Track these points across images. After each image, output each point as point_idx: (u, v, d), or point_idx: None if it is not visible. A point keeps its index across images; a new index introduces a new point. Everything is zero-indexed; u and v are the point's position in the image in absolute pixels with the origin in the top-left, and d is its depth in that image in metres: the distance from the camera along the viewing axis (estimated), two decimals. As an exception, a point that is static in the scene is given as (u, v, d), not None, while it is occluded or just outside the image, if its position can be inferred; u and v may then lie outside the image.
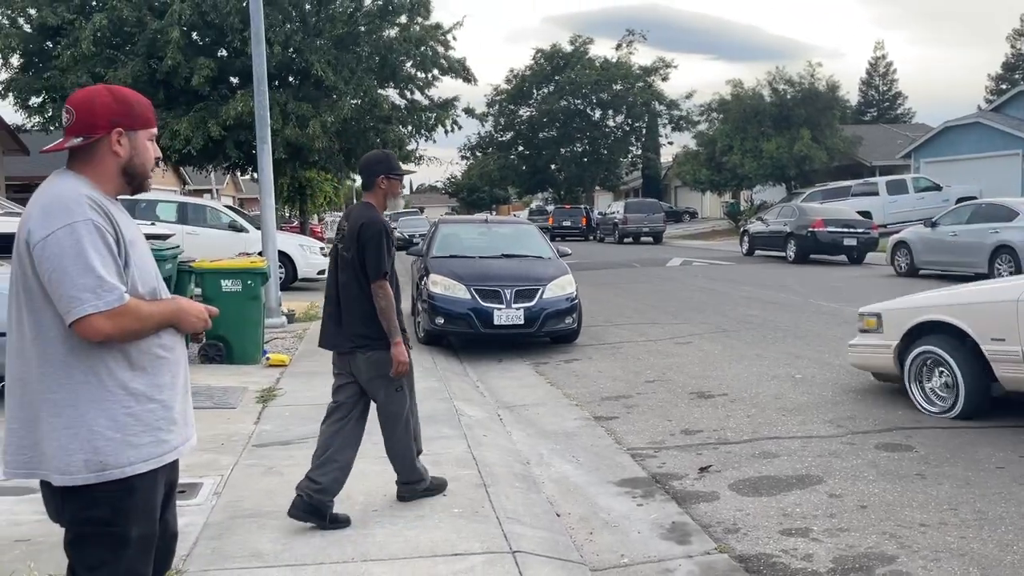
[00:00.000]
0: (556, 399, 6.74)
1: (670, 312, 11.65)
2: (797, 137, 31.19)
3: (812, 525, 3.94)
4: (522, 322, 8.39)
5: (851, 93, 44.21)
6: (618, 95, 48.28)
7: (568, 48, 48.58)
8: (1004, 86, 45.22)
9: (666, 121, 48.96)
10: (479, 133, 50.11)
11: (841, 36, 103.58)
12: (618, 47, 48.88)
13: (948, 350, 5.61)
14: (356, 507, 3.98)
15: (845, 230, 19.24)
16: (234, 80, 16.88)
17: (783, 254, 20.42)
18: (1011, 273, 13.61)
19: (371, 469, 4.37)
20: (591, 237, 36.24)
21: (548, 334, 8.89)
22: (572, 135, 49.81)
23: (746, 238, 22.95)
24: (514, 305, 8.40)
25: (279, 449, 4.98)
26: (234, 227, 14.47)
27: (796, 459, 4.92)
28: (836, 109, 33.37)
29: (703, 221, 46.85)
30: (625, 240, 32.27)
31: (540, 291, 8.60)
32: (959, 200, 21.47)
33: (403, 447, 4.09)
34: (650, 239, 32.13)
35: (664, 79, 48.46)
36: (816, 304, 11.98)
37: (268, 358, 7.55)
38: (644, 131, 50.51)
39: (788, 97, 32.75)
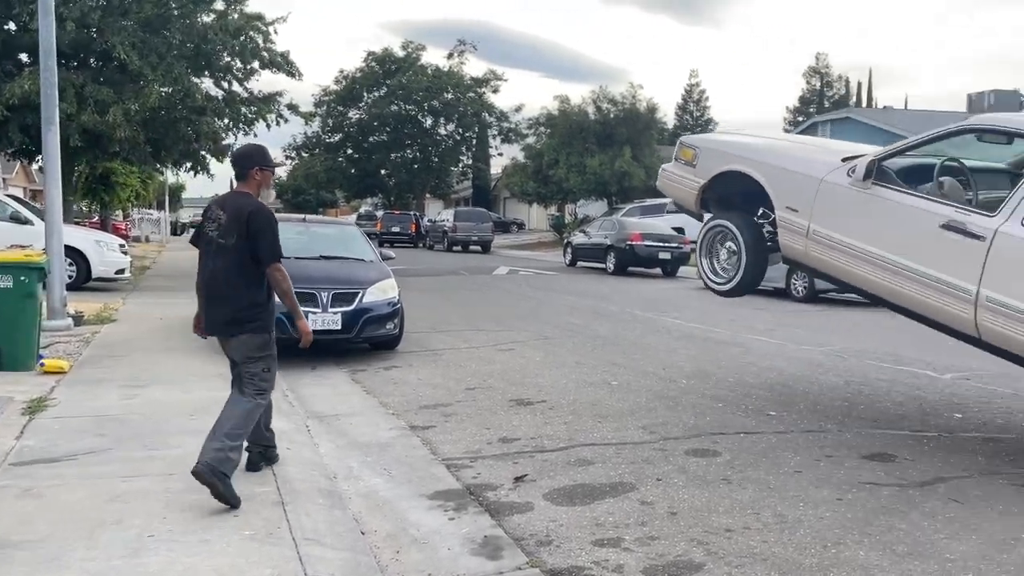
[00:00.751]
0: (372, 408, 6.40)
1: (495, 319, 11.59)
2: (619, 155, 32.53)
3: (624, 534, 3.87)
4: (339, 327, 7.97)
5: (668, 116, 46.73)
6: (449, 104, 48.44)
7: (400, 53, 48.19)
8: (800, 118, 49.52)
9: (496, 132, 49.67)
10: (305, 133, 48.63)
11: (660, 62, 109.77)
12: (450, 56, 49.06)
13: (739, 225, 5.88)
14: (131, 531, 3.49)
15: (660, 244, 20.16)
16: (23, 57, 15.22)
17: (603, 265, 21.08)
18: (805, 288, 14.70)
19: (152, 488, 3.87)
20: (420, 244, 35.97)
21: (368, 340, 8.51)
22: (403, 141, 49.41)
23: (569, 249, 23.55)
24: (331, 309, 7.97)
25: (43, 467, 4.34)
26: (17, 219, 12.96)
27: (610, 466, 4.88)
28: (655, 130, 35.14)
29: (530, 232, 47.88)
30: (454, 248, 32.28)
31: (360, 295, 8.22)
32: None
33: (242, 431, 4.07)
34: (479, 248, 32.33)
35: (495, 91, 49.16)
36: (632, 313, 12.35)
37: (43, 364, 6.70)
38: (475, 141, 50.98)
39: (611, 116, 34.11)
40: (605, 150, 33.21)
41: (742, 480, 4.62)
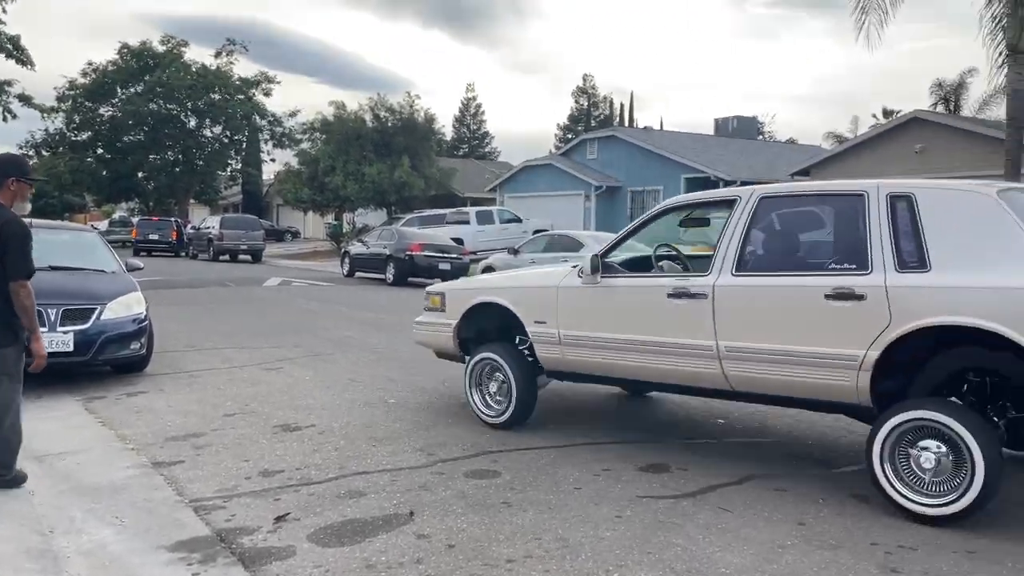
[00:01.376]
0: (107, 443, 5.55)
1: (263, 335, 10.78)
2: (398, 164, 32.21)
3: (397, 575, 3.50)
4: (71, 348, 6.91)
5: (446, 128, 47.26)
6: (216, 104, 45.65)
7: (160, 48, 44.71)
8: (570, 136, 51.98)
9: (268, 136, 47.51)
10: (47, 129, 43.67)
11: (438, 75, 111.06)
12: (217, 55, 46.26)
13: (505, 357, 5.95)
14: None
15: (440, 255, 20.04)
16: None
17: (383, 276, 20.61)
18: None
19: None
20: (183, 253, 33.43)
21: (108, 362, 7.48)
22: (163, 142, 45.89)
23: (347, 259, 22.83)
24: (60, 328, 6.90)
25: None
26: None
27: (384, 496, 4.50)
28: (433, 141, 35.21)
29: (306, 241, 46.22)
30: (221, 258, 30.31)
31: (98, 311, 7.21)
32: (535, 231, 23.78)
33: (11, 432, 4.40)
34: (249, 257, 30.59)
35: (267, 94, 47.03)
36: (412, 326, 12.01)
37: None
38: (244, 145, 48.46)
39: (389, 125, 33.73)
40: (383, 159, 32.76)
41: (522, 502, 4.41)
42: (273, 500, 4.44)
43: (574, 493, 4.58)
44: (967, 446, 3.93)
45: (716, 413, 6.61)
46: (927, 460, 4.07)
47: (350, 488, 4.64)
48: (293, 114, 45.86)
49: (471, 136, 61.95)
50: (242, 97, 46.22)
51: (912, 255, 4.20)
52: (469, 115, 62.21)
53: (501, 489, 4.63)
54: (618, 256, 5.75)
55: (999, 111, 25.88)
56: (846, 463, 5.26)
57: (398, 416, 6.35)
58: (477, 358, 6.15)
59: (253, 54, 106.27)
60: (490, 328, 6.30)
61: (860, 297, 4.27)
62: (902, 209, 4.31)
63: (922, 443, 4.09)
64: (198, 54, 58.75)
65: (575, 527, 4.06)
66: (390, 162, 32.43)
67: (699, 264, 5.48)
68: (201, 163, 47.11)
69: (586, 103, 57.84)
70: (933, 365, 4.31)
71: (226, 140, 48.10)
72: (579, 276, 5.57)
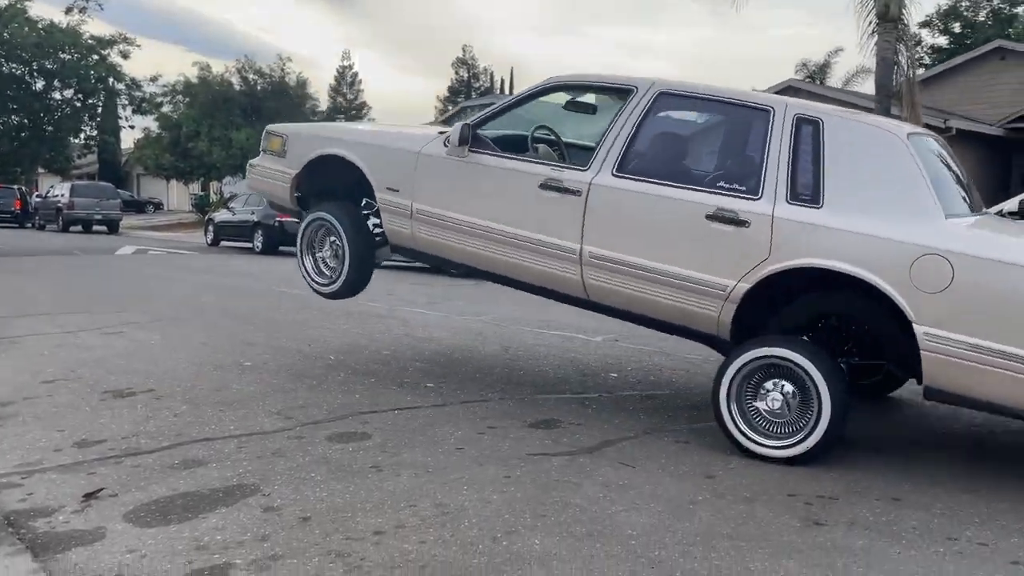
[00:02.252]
0: None
1: (107, 301, 9.61)
2: (269, 130, 30.54)
3: (235, 558, 2.80)
4: None
5: (322, 96, 45.28)
6: (67, 65, 41.98)
7: (1, 1, 40.61)
8: (450, 107, 51.10)
9: (127, 102, 44.14)
10: None
11: (314, 46, 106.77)
12: (68, 11, 42.47)
13: (341, 218, 5.31)
14: None
15: (313, 221, 18.95)
16: None
17: (250, 244, 19.33)
18: (459, 263, 14.53)
19: None
20: (29, 224, 30.61)
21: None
22: (6, 105, 41.81)
23: (211, 227, 21.35)
24: None
25: None
26: None
27: (229, 465, 3.75)
28: (307, 107, 33.58)
29: (170, 213, 43.47)
30: (72, 228, 27.92)
31: None
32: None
33: None
34: (104, 228, 28.27)
35: (125, 56, 43.55)
36: (280, 291, 11.08)
37: None
38: (100, 110, 44.90)
39: (259, 88, 31.90)
40: (254, 124, 30.93)
41: (395, 466, 3.77)
42: (86, 475, 3.61)
43: (456, 454, 3.97)
44: (816, 386, 3.74)
45: (609, 367, 6.16)
46: (774, 400, 3.87)
47: (186, 457, 3.86)
48: (154, 79, 42.72)
49: (348, 106, 59.73)
50: (96, 58, 42.70)
51: (807, 188, 3.87)
52: (346, 84, 59.92)
53: (370, 452, 3.97)
54: (491, 132, 5.04)
55: (864, 87, 26.97)
56: (749, 413, 4.88)
57: (254, 379, 5.54)
58: (311, 218, 5.48)
59: (111, 18, 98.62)
60: (337, 187, 5.54)
61: (743, 223, 3.94)
62: (807, 135, 3.94)
63: (770, 382, 3.89)
64: (47, 12, 53.63)
65: (457, 491, 3.45)
66: (261, 128, 30.64)
67: (579, 158, 4.84)
68: (51, 129, 43.26)
69: (466, 74, 56.98)
70: (797, 305, 4.04)
71: (78, 104, 44.34)
72: (444, 146, 4.90)
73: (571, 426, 4.49)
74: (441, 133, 5.06)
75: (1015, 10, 35.55)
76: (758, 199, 3.94)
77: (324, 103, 53.83)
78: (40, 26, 40.91)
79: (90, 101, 44.47)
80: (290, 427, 4.39)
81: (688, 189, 4.17)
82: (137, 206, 42.69)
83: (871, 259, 3.65)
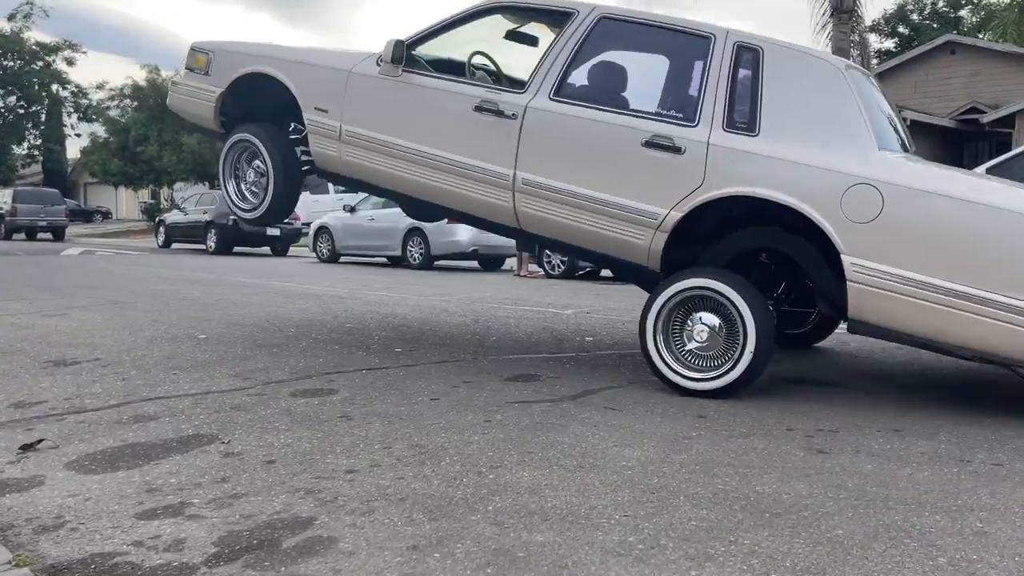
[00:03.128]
0: None
1: (51, 290, 9.11)
2: (221, 133, 29.86)
3: (192, 498, 2.51)
4: None
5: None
6: (9, 72, 40.71)
7: (-62, 5, 39.32)
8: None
9: (72, 109, 42.96)
10: None
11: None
12: (11, 18, 41.23)
13: (265, 141, 5.04)
14: None
15: (268, 220, 18.47)
16: None
17: (203, 245, 18.79)
18: (421, 256, 14.26)
19: None
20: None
21: None
22: (-56, 111, 40.47)
23: (162, 229, 20.73)
24: None
25: None
26: None
27: (183, 419, 3.44)
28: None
29: (119, 222, 42.32)
30: (15, 236, 26.88)
31: None
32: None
33: None
34: (49, 235, 27.31)
35: (70, 63, 42.44)
36: (235, 280, 10.69)
37: None
38: (44, 118, 43.63)
39: (210, 91, 31.22)
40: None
41: (366, 415, 3.50)
42: (24, 431, 3.28)
43: (430, 404, 3.71)
44: (742, 317, 3.68)
45: (584, 332, 5.95)
46: (700, 332, 3.80)
47: (136, 413, 3.54)
48: (100, 86, 41.64)
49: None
50: (40, 64, 41.49)
51: (744, 116, 3.80)
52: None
53: (338, 404, 3.69)
54: (428, 55, 4.84)
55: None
56: (733, 365, 4.71)
57: (209, 348, 5.21)
58: (235, 139, 5.18)
59: (58, 29, 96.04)
60: (263, 108, 5.28)
61: (678, 150, 3.86)
62: (746, 62, 3.86)
63: (697, 315, 3.82)
64: None
65: (434, 434, 3.20)
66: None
67: (518, 85, 4.64)
68: (-8, 138, 41.96)
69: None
70: (729, 240, 4.02)
71: (21, 112, 43.07)
72: (377, 64, 4.70)
73: (550, 379, 4.26)
74: (373, 54, 4.81)
75: (959, 13, 36.50)
76: (694, 126, 3.86)
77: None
78: (-20, 32, 39.73)
79: (33, 108, 43.23)
80: (249, 386, 4.09)
81: (625, 115, 4.07)
82: (84, 215, 41.49)
83: (803, 188, 3.60)
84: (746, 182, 3.71)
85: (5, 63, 40.82)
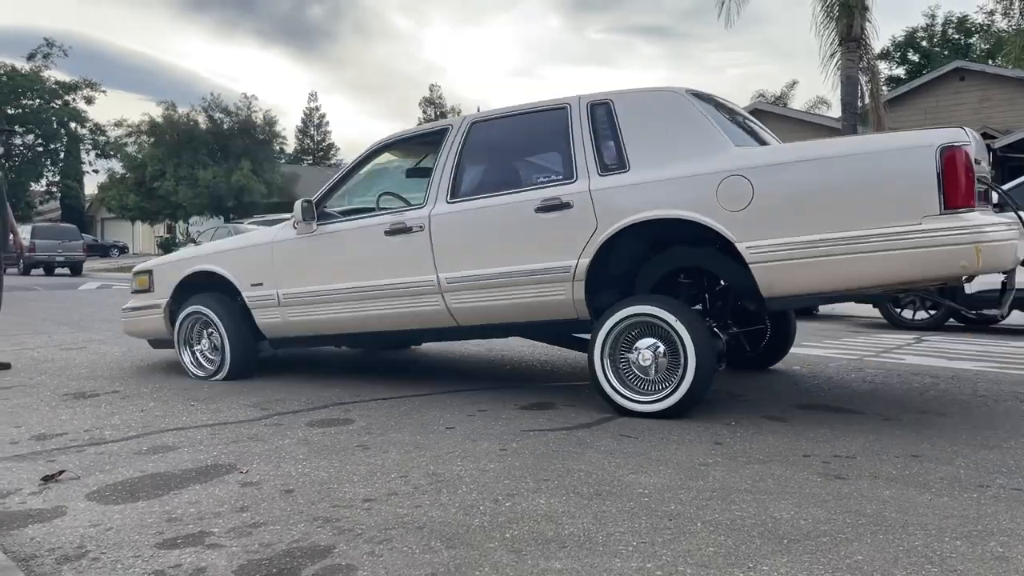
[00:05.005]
0: None
1: (69, 324, 9.23)
2: (236, 168, 30.18)
3: (212, 527, 2.53)
4: None
5: (289, 136, 45.11)
6: (29, 111, 41.47)
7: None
8: (419, 145, 51.11)
9: (90, 147, 43.68)
10: None
11: (281, 94, 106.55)
12: (31, 57, 42.16)
13: (216, 309, 5.27)
14: None
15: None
16: None
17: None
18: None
19: None
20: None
21: None
22: (-34, 151, 41.20)
23: (178, 263, 20.87)
24: None
25: None
26: None
27: (201, 449, 3.47)
28: (275, 143, 33.37)
29: (135, 257, 42.71)
30: (34, 271, 27.16)
31: None
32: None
33: None
34: (67, 271, 27.57)
35: (88, 101, 43.27)
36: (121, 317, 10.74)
37: None
38: (62, 155, 44.32)
39: (225, 127, 31.64)
40: (220, 163, 30.61)
41: (383, 444, 3.52)
42: (46, 462, 3.32)
43: (446, 433, 3.73)
44: (681, 339, 3.88)
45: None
46: (645, 358, 3.98)
47: (156, 444, 3.57)
48: (119, 124, 42.37)
49: (315, 147, 59.67)
50: (59, 103, 42.27)
51: (613, 158, 4.17)
52: (312, 125, 59.87)
53: (355, 434, 3.71)
54: (339, 207, 5.26)
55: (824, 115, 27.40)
56: (749, 393, 4.70)
57: (226, 380, 5.26)
58: (186, 312, 5.41)
59: (76, 68, 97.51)
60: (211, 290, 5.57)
61: (567, 205, 4.17)
62: (601, 116, 4.27)
63: (640, 341, 4.01)
64: (8, 59, 52.27)
65: (450, 463, 3.21)
66: (227, 166, 30.34)
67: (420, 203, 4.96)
68: (13, 175, 42.62)
69: (434, 113, 57.14)
70: (647, 270, 4.33)
71: (40, 149, 43.80)
72: (294, 227, 5.06)
73: (565, 407, 4.27)
74: (289, 222, 5.16)
75: (969, 40, 36.67)
76: (575, 180, 4.20)
77: (292, 146, 53.74)
78: (1, 72, 40.53)
79: (52, 146, 43.97)
80: (266, 416, 4.13)
81: (515, 192, 4.41)
82: (101, 250, 41.89)
83: (682, 198, 3.90)
84: (633, 211, 4.00)
85: (24, 102, 41.61)
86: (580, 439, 3.57)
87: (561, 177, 4.29)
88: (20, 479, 3.08)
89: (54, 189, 46.45)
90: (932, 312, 8.66)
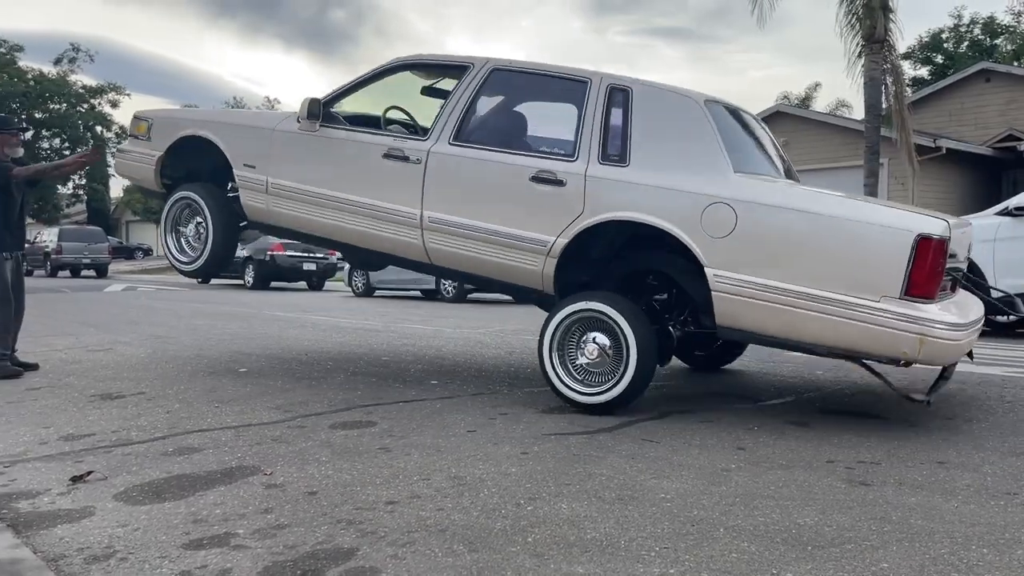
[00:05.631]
0: None
1: (96, 326, 9.34)
2: (258, 170, 30.44)
3: (236, 528, 2.55)
4: None
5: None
6: (56, 115, 42.04)
7: (-10, 53, 40.83)
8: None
9: (115, 151, 44.18)
10: None
11: (303, 95, 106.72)
12: (57, 62, 42.75)
13: (205, 198, 5.37)
14: None
15: (305, 255, 18.74)
16: None
17: (241, 280, 19.09)
18: (454, 289, 14.34)
19: None
20: (16, 270, 30.21)
21: None
22: (-7, 154, 41.72)
23: (202, 265, 21.09)
24: None
25: None
26: None
27: (226, 451, 3.51)
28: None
29: (159, 259, 43.15)
30: (60, 273, 27.55)
31: None
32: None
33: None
34: (92, 272, 27.95)
35: (114, 105, 43.83)
36: (273, 314, 10.85)
37: None
38: (89, 158, 44.82)
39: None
40: (242, 166, 30.89)
41: (405, 447, 3.53)
42: (73, 463, 3.36)
43: (467, 436, 3.74)
44: (625, 338, 3.99)
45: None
46: (591, 351, 4.11)
47: (181, 445, 3.61)
48: (145, 125, 42.70)
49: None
50: (85, 107, 42.82)
51: (616, 148, 4.20)
52: (335, 129, 60.33)
53: (377, 437, 3.73)
54: (348, 111, 5.23)
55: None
56: (772, 397, 4.68)
57: (250, 382, 5.30)
58: (176, 196, 5.51)
59: (101, 72, 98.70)
60: (201, 169, 5.63)
61: (560, 183, 4.24)
62: (618, 102, 4.28)
63: (590, 334, 4.12)
64: (37, 61, 53.00)
65: (472, 466, 3.22)
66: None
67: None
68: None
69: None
70: (617, 262, 4.44)
71: (67, 153, 44.34)
72: (297, 121, 5.08)
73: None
74: (294, 113, 5.17)
75: (995, 42, 36.20)
76: (574, 160, 4.25)
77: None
78: (30, 77, 41.13)
79: (78, 149, 44.49)
80: (289, 419, 4.16)
81: (516, 154, 4.45)
82: (126, 252, 42.38)
83: (668, 210, 3.97)
84: (619, 208, 4.09)
85: (52, 106, 42.20)
86: (601, 443, 3.57)
87: (563, 152, 4.33)
88: (49, 479, 3.13)
89: (80, 192, 47.01)
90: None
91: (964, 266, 4.21)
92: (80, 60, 43.00)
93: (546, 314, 4.37)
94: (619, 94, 4.27)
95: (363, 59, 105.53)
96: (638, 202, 4.05)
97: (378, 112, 5.22)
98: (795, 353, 5.63)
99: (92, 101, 42.91)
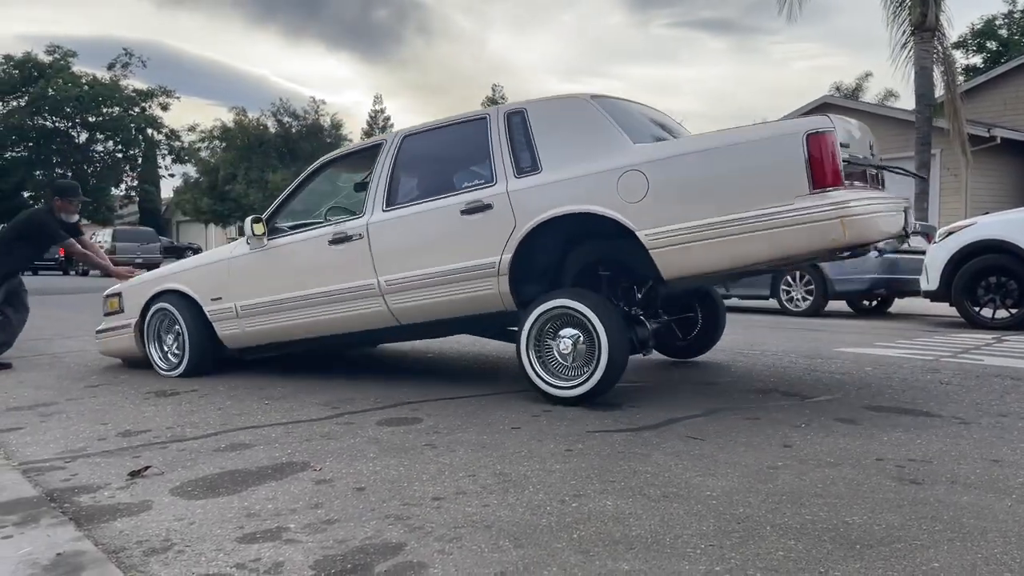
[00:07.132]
0: (-75, 415, 4.43)
1: (147, 325, 9.57)
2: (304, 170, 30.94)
3: (288, 523, 2.62)
4: None
5: (355, 139, 45.81)
6: (109, 118, 43.07)
7: (46, 58, 41.98)
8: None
9: (166, 152, 45.17)
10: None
11: (347, 97, 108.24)
12: (110, 67, 43.78)
13: (179, 308, 5.64)
14: None
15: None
16: None
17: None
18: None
19: None
20: (72, 271, 31.13)
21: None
22: (50, 158, 42.98)
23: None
24: None
25: None
26: None
27: (276, 447, 3.59)
28: (342, 146, 34.04)
29: (208, 258, 44.00)
30: (114, 273, 28.27)
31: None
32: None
33: None
34: (144, 271, 28.62)
35: (164, 108, 44.73)
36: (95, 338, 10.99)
37: None
38: (140, 160, 45.93)
39: (293, 130, 32.40)
40: (289, 165, 31.37)
41: (450, 443, 3.58)
42: (131, 458, 3.47)
43: (512, 433, 3.77)
44: (595, 331, 4.18)
45: (660, 365, 5.92)
46: (564, 346, 4.30)
47: (233, 442, 3.71)
48: (192, 129, 43.57)
49: (381, 150, 60.49)
50: (137, 110, 43.81)
51: (527, 161, 4.52)
52: (377, 128, 60.73)
53: (423, 434, 3.79)
54: (291, 222, 5.60)
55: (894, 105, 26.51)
56: (818, 393, 4.62)
57: (297, 379, 5.41)
58: (154, 308, 5.80)
59: (151, 76, 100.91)
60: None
61: (488, 207, 4.53)
62: (517, 124, 4.62)
63: (561, 332, 4.33)
64: (90, 69, 54.17)
65: (517, 463, 3.25)
66: (296, 169, 31.05)
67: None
68: (93, 180, 44.34)
69: (496, 114, 57.30)
70: (567, 263, 4.76)
71: (120, 156, 45.48)
72: (247, 243, 5.46)
73: (631, 408, 4.27)
74: (243, 237, 5.56)
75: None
76: (494, 184, 4.57)
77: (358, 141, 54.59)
78: (84, 81, 42.20)
79: (131, 152, 45.59)
80: (336, 415, 4.24)
81: (443, 197, 4.76)
82: (177, 252, 43.15)
83: (587, 193, 4.25)
84: (546, 208, 4.36)
85: (105, 110, 43.24)
86: (646, 440, 3.57)
87: (483, 181, 4.63)
88: (108, 474, 3.24)
89: (133, 193, 48.14)
90: (1013, 311, 8.35)
91: (871, 157, 4.40)
92: (132, 65, 43.99)
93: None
94: (516, 116, 4.64)
95: (406, 58, 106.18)
96: (560, 198, 4.33)
97: (318, 218, 5.48)
98: (843, 350, 5.53)
99: (143, 104, 43.84)
